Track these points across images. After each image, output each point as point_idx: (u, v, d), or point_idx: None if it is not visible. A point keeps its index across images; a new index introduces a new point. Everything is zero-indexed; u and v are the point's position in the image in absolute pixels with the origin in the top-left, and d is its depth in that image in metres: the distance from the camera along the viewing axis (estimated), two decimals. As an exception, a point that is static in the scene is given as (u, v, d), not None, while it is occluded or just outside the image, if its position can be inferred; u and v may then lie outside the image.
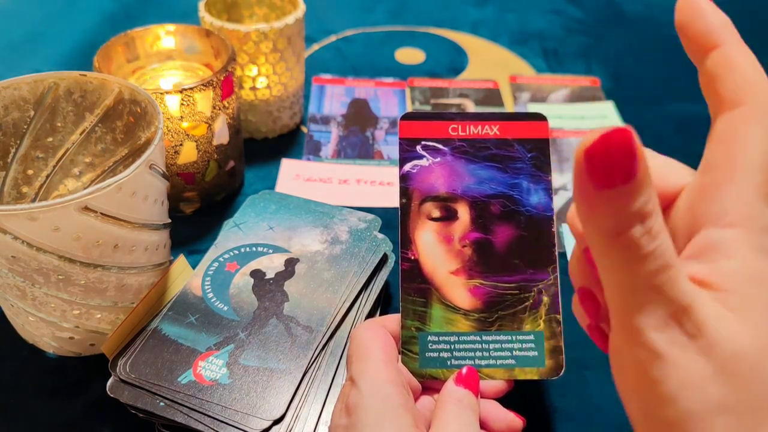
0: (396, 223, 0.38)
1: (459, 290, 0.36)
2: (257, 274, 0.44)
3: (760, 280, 0.22)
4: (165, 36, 0.55)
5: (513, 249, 0.37)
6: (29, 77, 0.42)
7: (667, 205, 0.26)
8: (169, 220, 0.43)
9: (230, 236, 0.46)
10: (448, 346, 0.36)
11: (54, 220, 0.34)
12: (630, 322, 0.22)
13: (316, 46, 0.81)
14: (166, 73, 0.56)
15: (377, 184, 0.60)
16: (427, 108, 0.70)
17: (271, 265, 0.44)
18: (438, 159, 0.38)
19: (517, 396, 0.37)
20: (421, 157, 0.38)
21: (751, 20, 0.88)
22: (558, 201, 0.58)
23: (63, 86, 0.43)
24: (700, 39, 0.25)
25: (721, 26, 0.24)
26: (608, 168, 0.20)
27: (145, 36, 0.54)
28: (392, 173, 0.61)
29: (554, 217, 0.37)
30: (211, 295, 0.42)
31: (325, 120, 0.68)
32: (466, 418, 0.32)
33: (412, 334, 0.36)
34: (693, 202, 0.24)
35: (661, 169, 0.26)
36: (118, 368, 0.38)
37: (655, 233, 0.21)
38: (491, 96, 0.72)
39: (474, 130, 0.38)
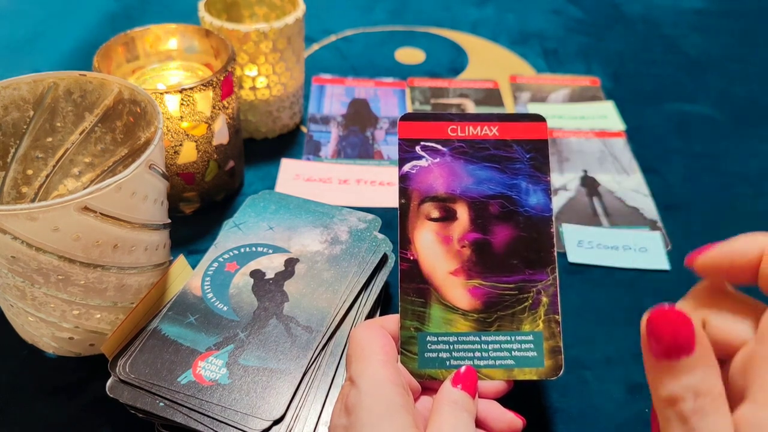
0: (396, 223, 0.38)
1: (458, 290, 0.36)
2: (257, 274, 0.44)
3: None
4: (165, 36, 0.55)
5: (512, 249, 0.37)
6: (29, 77, 0.42)
7: (729, 355, 0.26)
8: (169, 220, 0.43)
9: (230, 236, 0.46)
10: (447, 347, 0.36)
11: (54, 220, 0.34)
12: None
13: (316, 46, 0.81)
14: (166, 73, 0.56)
15: (377, 184, 0.60)
16: (427, 108, 0.70)
17: (271, 265, 0.44)
18: (437, 159, 0.38)
19: (517, 396, 0.37)
20: (420, 157, 0.38)
21: (752, 20, 0.88)
22: (558, 201, 0.58)
23: (63, 86, 0.43)
24: None
25: None
26: (665, 341, 0.22)
27: (145, 36, 0.54)
28: (392, 173, 0.61)
29: (553, 218, 0.37)
30: (210, 295, 0.42)
31: (325, 120, 0.68)
32: (461, 420, 0.31)
33: (411, 335, 0.36)
34: (746, 366, 0.25)
35: (727, 321, 0.26)
36: (117, 368, 0.38)
37: (705, 413, 0.22)
38: (491, 96, 0.72)
39: (473, 130, 0.38)
